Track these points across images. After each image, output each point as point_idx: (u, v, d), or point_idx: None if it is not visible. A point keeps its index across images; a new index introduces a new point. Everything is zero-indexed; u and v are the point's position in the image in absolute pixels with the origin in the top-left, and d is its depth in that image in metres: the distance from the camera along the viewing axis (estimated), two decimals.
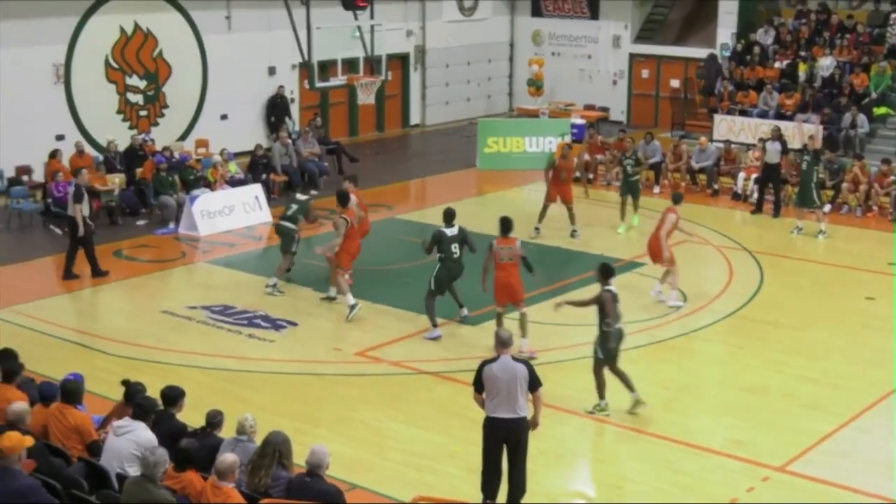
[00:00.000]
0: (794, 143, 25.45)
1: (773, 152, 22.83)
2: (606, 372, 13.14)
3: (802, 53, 29.53)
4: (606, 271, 13.08)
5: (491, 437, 10.54)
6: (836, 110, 27.02)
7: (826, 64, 28.59)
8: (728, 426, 13.13)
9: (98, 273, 18.32)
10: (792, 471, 11.91)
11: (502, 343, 10.50)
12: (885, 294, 17.79)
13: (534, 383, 10.45)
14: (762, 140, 23.92)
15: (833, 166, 23.47)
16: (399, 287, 18.03)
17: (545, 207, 20.98)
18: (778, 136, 23.14)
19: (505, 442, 10.51)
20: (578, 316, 16.41)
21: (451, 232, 15.84)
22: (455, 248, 15.79)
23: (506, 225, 15.11)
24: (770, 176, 23.01)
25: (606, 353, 13.00)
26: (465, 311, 16.30)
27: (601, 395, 13.19)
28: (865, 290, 18.09)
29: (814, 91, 28.12)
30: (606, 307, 12.80)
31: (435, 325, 15.76)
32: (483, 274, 15.15)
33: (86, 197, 18.15)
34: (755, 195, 23.59)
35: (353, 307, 16.41)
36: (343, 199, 17.05)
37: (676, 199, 17.51)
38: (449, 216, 15.96)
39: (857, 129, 26.22)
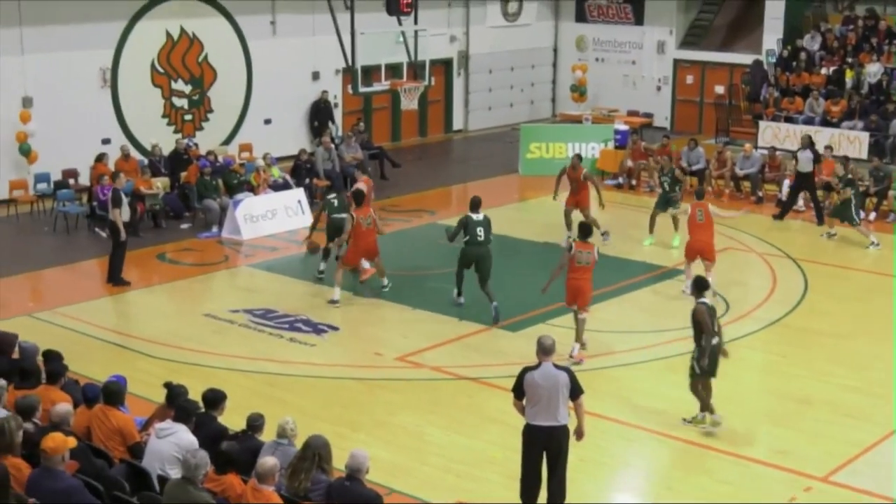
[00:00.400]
0: (841, 150, 25.29)
1: (804, 161, 22.61)
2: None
3: (849, 60, 29.26)
4: (700, 284, 12.92)
5: (531, 444, 10.50)
6: (884, 117, 26.76)
7: (873, 70, 28.32)
8: (770, 435, 13.02)
9: (117, 280, 18.24)
10: (835, 481, 11.78)
11: (544, 350, 10.44)
12: None
13: (575, 391, 10.39)
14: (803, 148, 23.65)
15: (879, 174, 23.21)
16: (440, 292, 18.02)
17: (567, 214, 20.85)
18: (809, 144, 22.93)
19: (545, 449, 10.47)
20: (618, 323, 16.42)
21: (477, 217, 16.73)
22: (480, 231, 16.61)
23: (585, 230, 15.37)
24: (803, 184, 22.78)
25: (703, 368, 12.75)
26: (495, 303, 16.55)
27: (705, 408, 12.92)
28: None
29: (861, 98, 27.86)
30: (702, 320, 12.56)
31: (459, 294, 17.07)
32: (556, 271, 15.25)
33: (124, 201, 18.25)
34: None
35: (334, 301, 17.17)
36: (357, 197, 17.47)
37: (700, 195, 18.10)
38: (476, 204, 16.90)
39: None
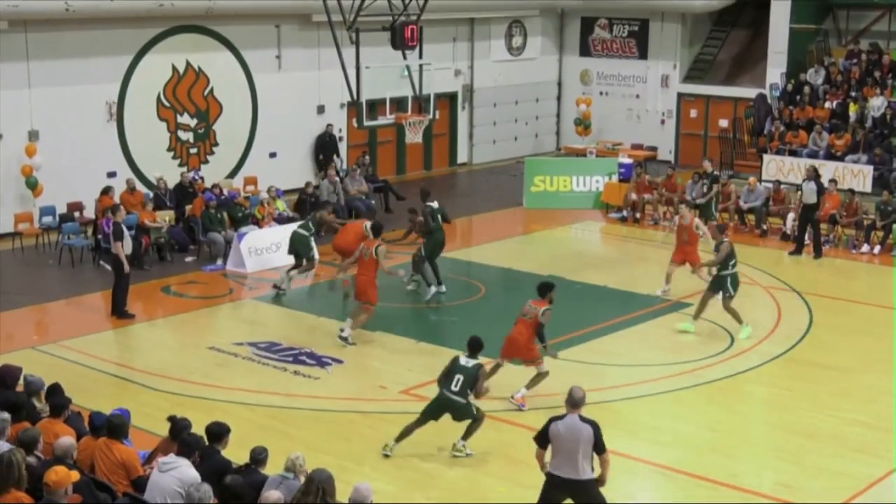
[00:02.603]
0: (845, 184, 25.32)
1: (808, 192, 22.63)
2: None
3: (853, 93, 29.34)
4: None
5: (549, 489, 10.29)
6: (888, 150, 26.79)
7: (877, 104, 28.40)
8: (776, 469, 12.95)
9: (121, 313, 18.23)
10: None
11: (572, 402, 10.20)
12: None
13: (598, 446, 10.13)
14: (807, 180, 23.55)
15: (888, 208, 23.20)
16: (444, 325, 18.02)
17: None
18: (814, 175, 22.97)
19: (569, 498, 10.26)
20: (623, 356, 16.39)
21: (435, 205, 19.21)
22: (438, 217, 19.20)
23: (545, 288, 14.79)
24: (808, 216, 22.77)
25: None
26: (442, 288, 19.10)
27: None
28: None
29: (865, 131, 27.91)
30: None
31: (430, 285, 19.16)
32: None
33: (126, 234, 18.25)
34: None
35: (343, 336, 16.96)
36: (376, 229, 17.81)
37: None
38: (426, 193, 19.37)
39: None
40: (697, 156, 32.56)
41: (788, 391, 15.47)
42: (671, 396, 14.90)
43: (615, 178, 27.11)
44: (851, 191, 24.27)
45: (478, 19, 32.53)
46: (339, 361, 16.21)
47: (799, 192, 23.51)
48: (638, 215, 25.86)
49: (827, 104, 29.48)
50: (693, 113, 33.25)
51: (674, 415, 14.30)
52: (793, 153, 28.08)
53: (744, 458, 13.28)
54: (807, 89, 29.80)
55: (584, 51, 35.00)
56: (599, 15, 34.43)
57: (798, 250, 22.79)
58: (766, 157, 28.16)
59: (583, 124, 33.08)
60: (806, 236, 23.01)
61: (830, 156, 27.45)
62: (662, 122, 33.64)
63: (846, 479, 12.50)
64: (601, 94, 34.42)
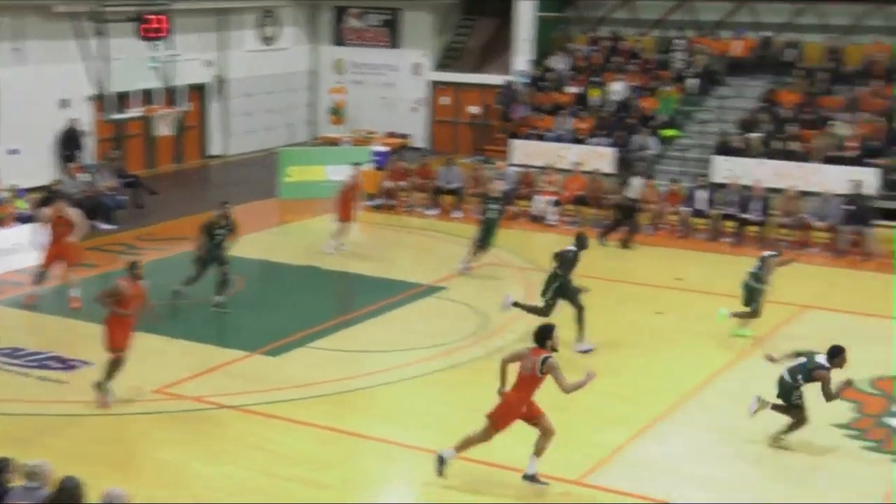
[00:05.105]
0: (590, 165, 26.31)
1: (635, 187, 23.52)
2: None
3: (595, 79, 30.51)
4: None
5: None
6: (629, 132, 28.01)
7: (617, 88, 29.64)
8: (527, 442, 13.33)
9: None
10: (589, 483, 12.23)
11: None
12: (674, 308, 18.61)
13: None
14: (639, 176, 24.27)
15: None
16: (197, 321, 17.73)
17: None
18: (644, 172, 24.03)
19: None
20: (379, 342, 16.57)
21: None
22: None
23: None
24: (630, 209, 23.45)
25: None
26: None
27: None
28: (655, 304, 18.84)
29: (606, 115, 29.09)
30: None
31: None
32: None
33: None
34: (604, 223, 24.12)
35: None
36: None
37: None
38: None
39: (648, 151, 27.27)
40: (450, 142, 33.33)
41: None
42: (426, 379, 15.17)
43: (370, 165, 27.30)
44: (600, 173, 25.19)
45: (229, 9, 32.08)
46: (89, 363, 15.66)
47: (547, 175, 24.10)
48: (393, 202, 26.14)
49: (571, 89, 30.56)
50: (445, 100, 33.87)
51: (429, 397, 14.56)
52: (540, 137, 28.99)
53: (497, 434, 13.60)
54: (552, 75, 30.81)
55: (338, 40, 35.10)
56: (352, 4, 34.59)
57: (605, 237, 23.04)
58: (514, 142, 28.95)
59: (337, 113, 33.16)
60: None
61: (576, 139, 28.47)
62: (415, 109, 34.10)
63: (593, 448, 13.03)
64: (355, 82, 34.59)
